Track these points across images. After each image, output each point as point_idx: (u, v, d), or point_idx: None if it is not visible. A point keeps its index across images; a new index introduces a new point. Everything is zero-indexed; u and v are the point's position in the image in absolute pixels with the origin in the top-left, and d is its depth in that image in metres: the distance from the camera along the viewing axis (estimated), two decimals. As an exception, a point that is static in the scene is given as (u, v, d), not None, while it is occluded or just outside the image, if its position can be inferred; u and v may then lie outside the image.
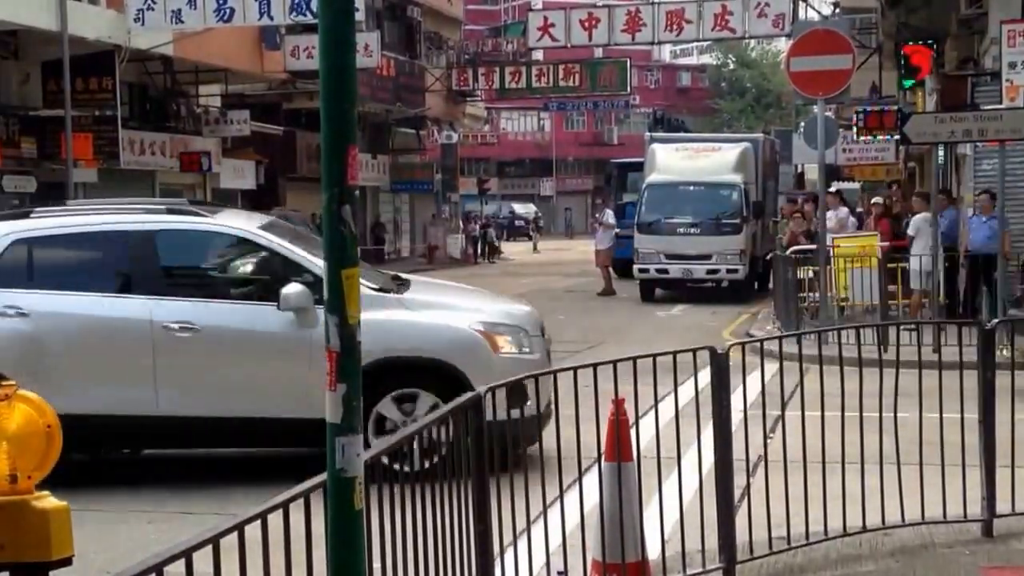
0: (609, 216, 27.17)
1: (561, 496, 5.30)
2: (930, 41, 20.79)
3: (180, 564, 2.74)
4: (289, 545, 3.10)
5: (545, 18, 32.68)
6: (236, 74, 31.51)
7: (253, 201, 35.24)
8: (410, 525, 3.97)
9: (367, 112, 38.22)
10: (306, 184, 34.41)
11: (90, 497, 7.85)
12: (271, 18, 25.19)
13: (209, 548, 2.81)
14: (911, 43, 20.99)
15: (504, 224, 54.69)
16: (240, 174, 32.64)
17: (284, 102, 35.90)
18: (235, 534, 2.91)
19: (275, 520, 3.08)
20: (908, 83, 23.53)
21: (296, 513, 3.17)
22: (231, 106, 32.74)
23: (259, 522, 3.04)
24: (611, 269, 26.37)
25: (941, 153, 18.21)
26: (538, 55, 41.66)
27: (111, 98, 24.74)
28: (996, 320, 7.40)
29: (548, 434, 5.00)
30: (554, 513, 5.36)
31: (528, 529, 4.99)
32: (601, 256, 26.44)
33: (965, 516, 6.30)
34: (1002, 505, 6.35)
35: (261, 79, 33.33)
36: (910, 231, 16.98)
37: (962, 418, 6.28)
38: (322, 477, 2.93)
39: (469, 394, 4.68)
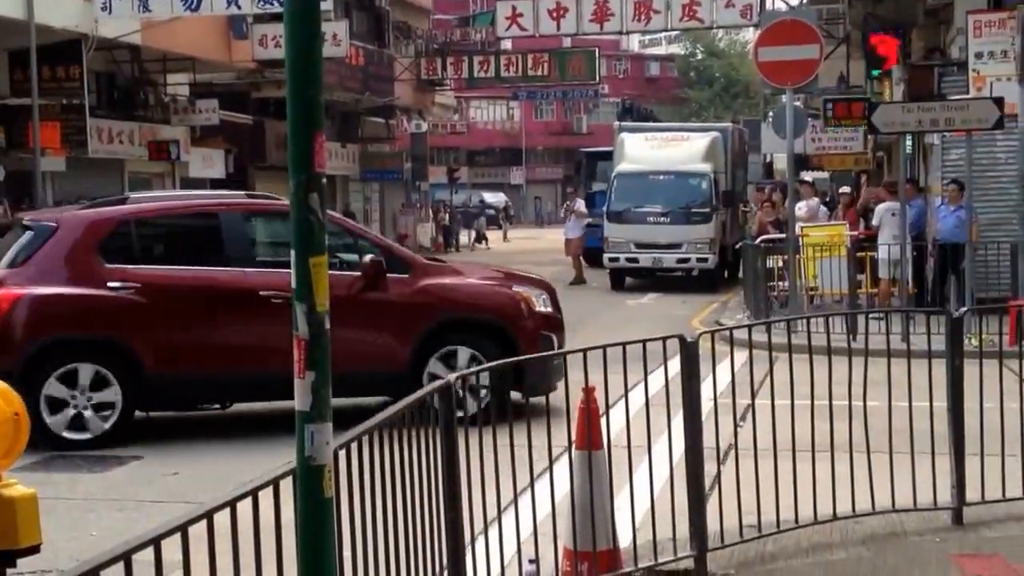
0: (581, 205, 27.06)
1: (532, 485, 5.29)
2: (898, 31, 20.89)
3: (149, 552, 2.71)
4: (259, 533, 3.08)
5: (513, 8, 32.57)
6: (204, 63, 31.28)
7: (222, 189, 35.06)
8: (380, 512, 3.95)
9: (336, 101, 38.06)
10: (276, 173, 34.18)
11: (59, 485, 7.81)
12: (239, 7, 25.03)
13: (178, 536, 2.78)
14: (878, 33, 21.09)
15: (475, 213, 54.32)
16: (209, 163, 32.45)
17: (253, 91, 35.66)
18: (204, 522, 2.89)
19: (244, 508, 3.05)
20: (875, 73, 23.67)
21: (266, 500, 3.15)
22: (200, 95, 32.51)
23: (228, 510, 3.01)
24: (582, 258, 26.37)
25: (909, 143, 18.33)
26: (507, 44, 41.59)
27: (79, 87, 24.47)
28: (964, 309, 7.44)
29: (518, 422, 4.99)
30: (525, 502, 5.35)
31: (499, 518, 4.98)
32: (572, 245, 26.38)
33: (935, 504, 6.33)
34: (971, 493, 6.38)
35: (230, 68, 33.12)
36: (874, 221, 17.08)
37: (931, 406, 6.32)
38: (291, 464, 2.90)
39: (438, 381, 4.66)
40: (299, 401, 2.68)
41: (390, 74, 40.84)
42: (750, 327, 7.25)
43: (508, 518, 5.04)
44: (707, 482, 5.91)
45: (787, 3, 28.64)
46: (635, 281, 24.68)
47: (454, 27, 44.73)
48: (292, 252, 2.65)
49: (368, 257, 9.57)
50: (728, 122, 35.60)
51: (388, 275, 9.65)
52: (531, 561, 5.33)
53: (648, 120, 38.67)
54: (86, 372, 9.10)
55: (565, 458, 5.41)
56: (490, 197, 66.06)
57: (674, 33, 54.95)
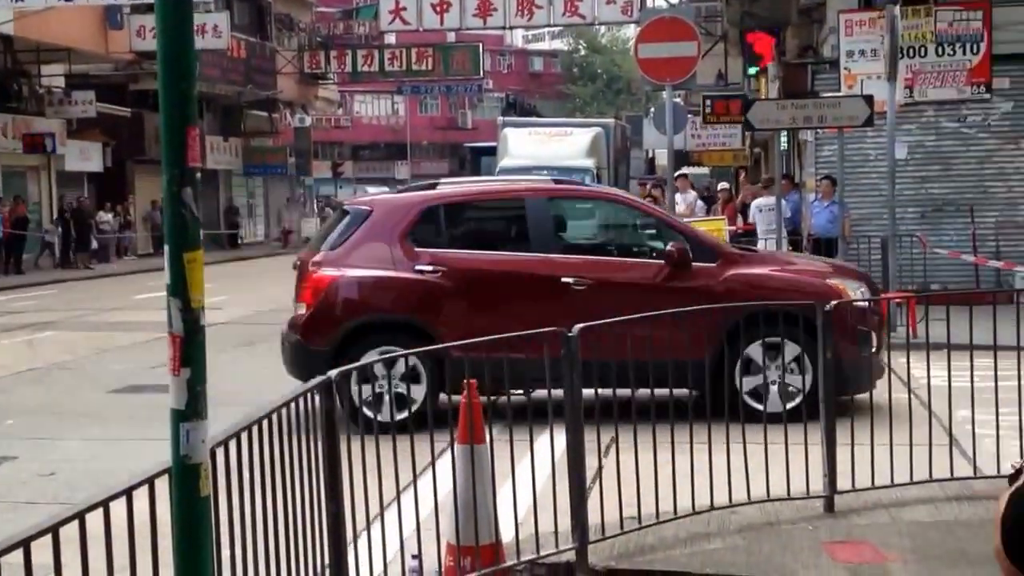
0: None
1: (415, 480, 5.30)
2: (773, 29, 21.38)
3: (19, 554, 2.64)
4: (133, 534, 3.02)
5: (396, 1, 32.42)
6: (80, 54, 30.49)
7: (100, 184, 34.20)
8: (260, 511, 3.90)
9: (218, 94, 37.44)
10: (155, 167, 33.14)
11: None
12: (114, -4, 24.46)
13: (48, 537, 2.71)
14: (754, 31, 21.55)
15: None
16: (86, 156, 31.65)
17: (131, 83, 34.88)
18: (75, 523, 2.82)
19: (119, 508, 2.99)
20: (752, 71, 24.20)
21: (141, 500, 3.09)
22: (76, 87, 31.69)
23: (101, 510, 2.95)
24: None
25: (784, 139, 18.77)
26: (391, 39, 41.37)
27: (-54, 78, 23.66)
28: (835, 301, 7.62)
29: (400, 418, 4.98)
30: (408, 498, 5.35)
31: (382, 514, 4.96)
32: None
33: (808, 493, 6.50)
34: (843, 482, 6.57)
35: (106, 59, 32.33)
36: (751, 218, 17.48)
37: (804, 397, 6.49)
38: (166, 463, 2.85)
39: (320, 377, 4.63)
40: (174, 399, 2.64)
41: (273, 67, 40.33)
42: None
43: (391, 515, 5.03)
44: (589, 476, 5.98)
45: (667, 1, 29.07)
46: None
47: (337, 20, 44.41)
48: (165, 247, 2.61)
49: (672, 244, 9.39)
50: (611, 118, 36.00)
51: (694, 264, 9.41)
52: (414, 557, 5.32)
53: (532, 115, 38.90)
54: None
55: (448, 454, 5.42)
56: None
57: (557, 29, 55.36)
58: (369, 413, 5.79)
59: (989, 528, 1.67)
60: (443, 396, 8.57)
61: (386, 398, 8.26)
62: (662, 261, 9.44)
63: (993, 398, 6.80)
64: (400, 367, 8.67)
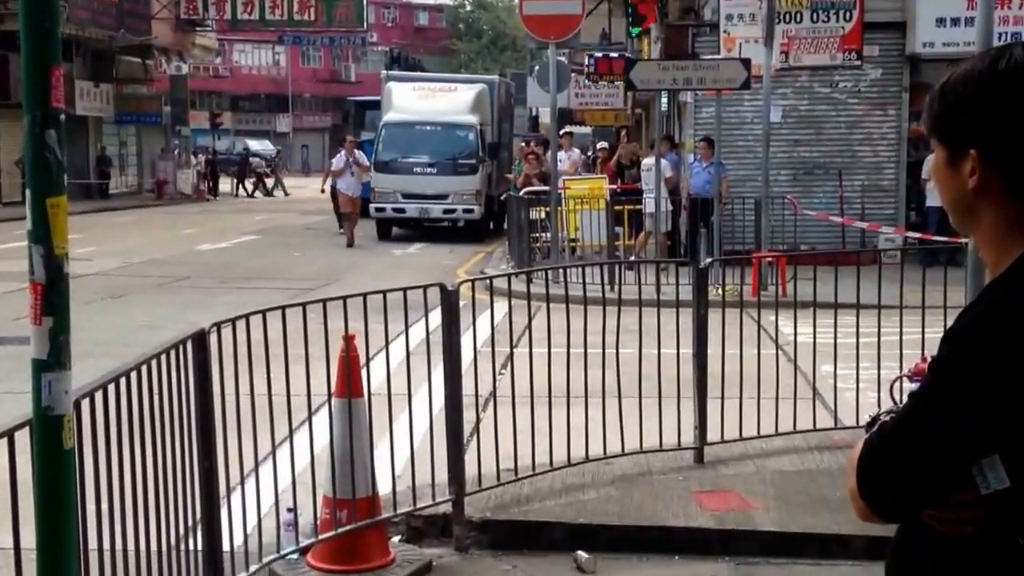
0: (363, 157, 23.26)
1: (291, 434, 5.26)
2: (657, -9, 21.51)
3: None
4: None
5: (280, -52, 31.74)
6: (-60, -9, 29.13)
7: None
8: (128, 465, 3.83)
9: (88, 38, 36.19)
10: (21, 111, 32.27)
11: None
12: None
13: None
14: (639, -8, 21.67)
15: (238, 161, 52.20)
16: (-54, 100, 30.32)
17: (-4, 24, 33.47)
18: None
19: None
20: (635, 31, 24.38)
21: None
22: (-65, 26, 30.27)
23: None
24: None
25: (664, 100, 18.98)
26: (273, -13, 40.47)
27: None
28: (709, 260, 7.79)
29: (276, 372, 4.92)
30: (284, 452, 5.31)
31: (256, 469, 4.91)
32: (354, 202, 22.63)
33: (679, 445, 6.66)
34: (712, 433, 6.75)
35: (-31, -2, 30.94)
36: (641, 179, 17.69)
37: (678, 353, 6.62)
38: (27, 415, 2.78)
39: (192, 329, 4.54)
40: (36, 349, 2.56)
41: (147, 11, 39.12)
42: (510, 276, 7.40)
43: (266, 469, 4.99)
44: (467, 429, 6.01)
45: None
46: (402, 231, 24.70)
47: (217, -35, 43.15)
48: (27, 192, 2.52)
49: None
50: (496, 75, 35.93)
51: None
52: (289, 510, 5.29)
53: (416, 70, 38.58)
54: None
55: (325, 409, 5.39)
56: (255, 144, 64.49)
57: (443, -17, 54.84)
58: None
59: (847, 478, 1.73)
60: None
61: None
62: None
63: (854, 354, 7.05)
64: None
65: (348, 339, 5.24)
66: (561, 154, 18.57)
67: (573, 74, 24.11)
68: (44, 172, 2.49)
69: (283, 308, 5.09)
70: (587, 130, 36.04)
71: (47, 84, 2.47)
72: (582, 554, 5.46)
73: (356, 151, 23.13)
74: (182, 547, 4.32)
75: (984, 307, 1.65)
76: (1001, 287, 1.67)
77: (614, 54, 26.96)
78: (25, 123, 2.50)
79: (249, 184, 44.62)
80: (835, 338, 7.04)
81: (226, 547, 4.70)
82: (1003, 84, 1.66)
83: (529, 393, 6.04)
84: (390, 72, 29.80)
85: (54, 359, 2.56)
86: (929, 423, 1.63)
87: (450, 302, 5.68)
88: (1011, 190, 1.68)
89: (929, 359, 1.69)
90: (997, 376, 1.58)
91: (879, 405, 5.77)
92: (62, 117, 2.54)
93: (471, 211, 23.93)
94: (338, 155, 23.72)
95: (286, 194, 44.25)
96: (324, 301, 5.25)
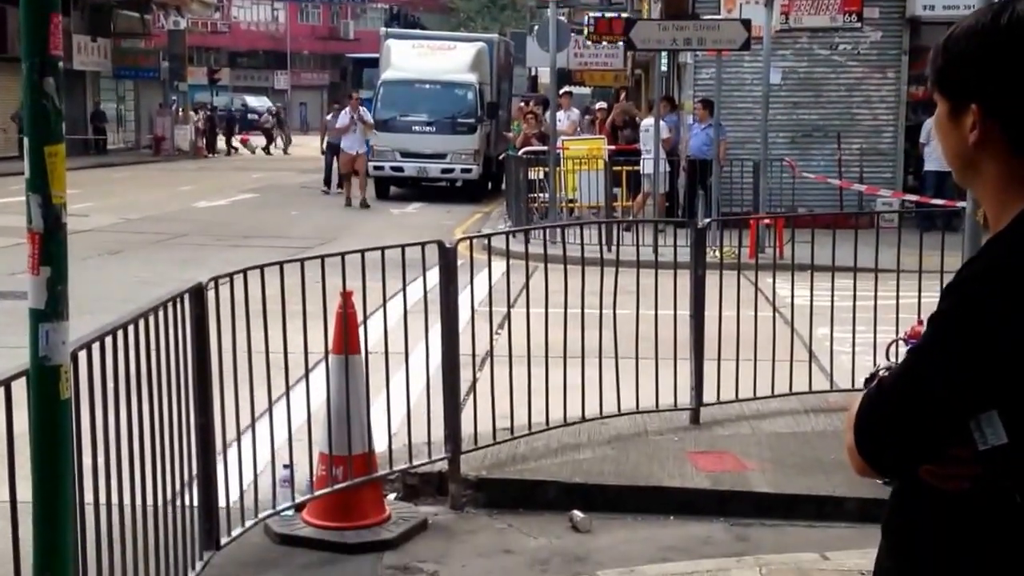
0: (367, 113, 22.50)
1: (287, 391, 5.26)
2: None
3: None
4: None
5: (279, -97, 31.43)
6: (-64, -58, 28.86)
7: None
8: (125, 418, 3.83)
9: (86, -8, 35.91)
10: (20, 64, 32.07)
11: None
12: None
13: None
14: (641, -48, 21.45)
15: (236, 117, 51.90)
16: (-58, 53, 30.11)
17: (-8, -24, 33.18)
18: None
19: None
20: (637, -9, 24.11)
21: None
22: (-69, -22, 30.03)
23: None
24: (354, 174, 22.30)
25: (664, 61, 18.87)
26: (272, -58, 40.13)
27: None
28: (707, 220, 7.76)
29: (274, 328, 4.92)
30: (280, 409, 5.31)
31: (253, 425, 4.92)
32: (358, 160, 22.08)
33: (675, 405, 6.67)
34: (708, 395, 6.76)
35: (-35, -50, 30.67)
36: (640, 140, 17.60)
37: (675, 314, 6.62)
38: (24, 365, 2.77)
39: (190, 284, 4.53)
40: (33, 298, 2.55)
41: (145, -34, 38.82)
42: (508, 234, 7.37)
43: (263, 425, 4.99)
44: (463, 388, 6.02)
45: (555, -83, 28.70)
46: (400, 190, 24.63)
47: (215, -80, 42.77)
48: (26, 140, 2.50)
49: None
50: (495, 34, 35.69)
51: None
52: (285, 466, 5.31)
53: (415, 28, 38.32)
54: None
55: (323, 365, 5.38)
56: (253, 101, 64.16)
57: (443, -60, 54.39)
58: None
59: (843, 437, 1.73)
60: None
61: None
62: None
63: (851, 317, 7.06)
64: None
65: (345, 296, 5.24)
66: (560, 114, 18.48)
67: (573, 34, 23.90)
68: (42, 120, 2.47)
69: (281, 264, 5.08)
70: (587, 90, 35.85)
71: (46, 31, 2.45)
72: (577, 513, 5.48)
73: (360, 107, 22.60)
74: (178, 502, 4.33)
75: (985, 261, 1.64)
76: (1003, 242, 1.66)
77: (613, 14, 26.77)
78: (23, 70, 2.48)
79: (260, 141, 44.29)
80: (832, 301, 7.04)
81: (222, 503, 4.72)
82: (1005, 38, 1.65)
83: (526, 353, 6.04)
84: (389, 30, 29.60)
85: (52, 309, 2.55)
86: (928, 376, 1.63)
87: (448, 260, 5.66)
88: (1012, 144, 1.67)
89: (925, 321, 1.68)
90: (997, 331, 1.58)
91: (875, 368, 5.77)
92: (61, 64, 2.51)
93: (469, 171, 23.85)
94: (341, 112, 23.15)
95: (286, 152, 44.08)
96: (322, 258, 5.23)
